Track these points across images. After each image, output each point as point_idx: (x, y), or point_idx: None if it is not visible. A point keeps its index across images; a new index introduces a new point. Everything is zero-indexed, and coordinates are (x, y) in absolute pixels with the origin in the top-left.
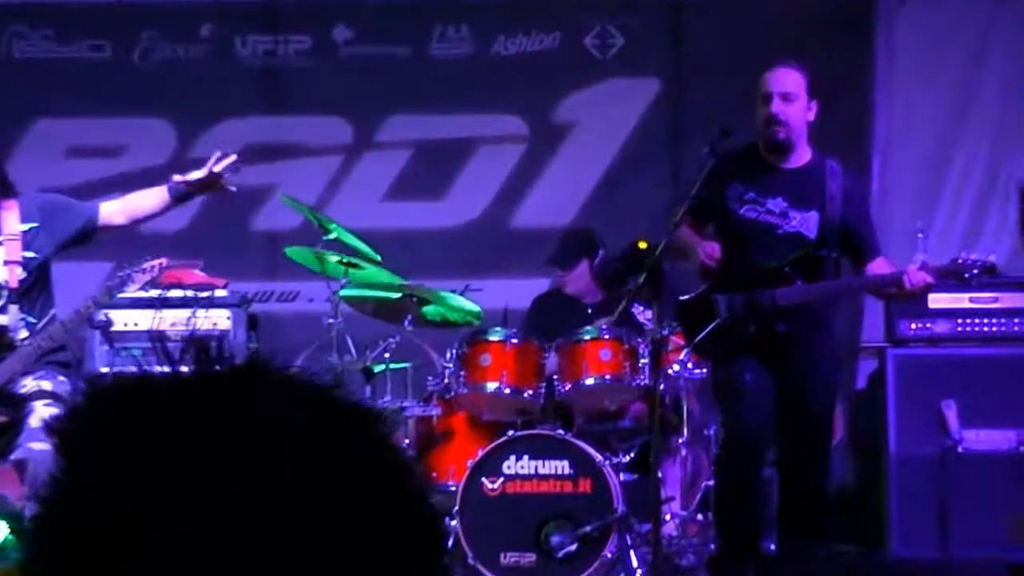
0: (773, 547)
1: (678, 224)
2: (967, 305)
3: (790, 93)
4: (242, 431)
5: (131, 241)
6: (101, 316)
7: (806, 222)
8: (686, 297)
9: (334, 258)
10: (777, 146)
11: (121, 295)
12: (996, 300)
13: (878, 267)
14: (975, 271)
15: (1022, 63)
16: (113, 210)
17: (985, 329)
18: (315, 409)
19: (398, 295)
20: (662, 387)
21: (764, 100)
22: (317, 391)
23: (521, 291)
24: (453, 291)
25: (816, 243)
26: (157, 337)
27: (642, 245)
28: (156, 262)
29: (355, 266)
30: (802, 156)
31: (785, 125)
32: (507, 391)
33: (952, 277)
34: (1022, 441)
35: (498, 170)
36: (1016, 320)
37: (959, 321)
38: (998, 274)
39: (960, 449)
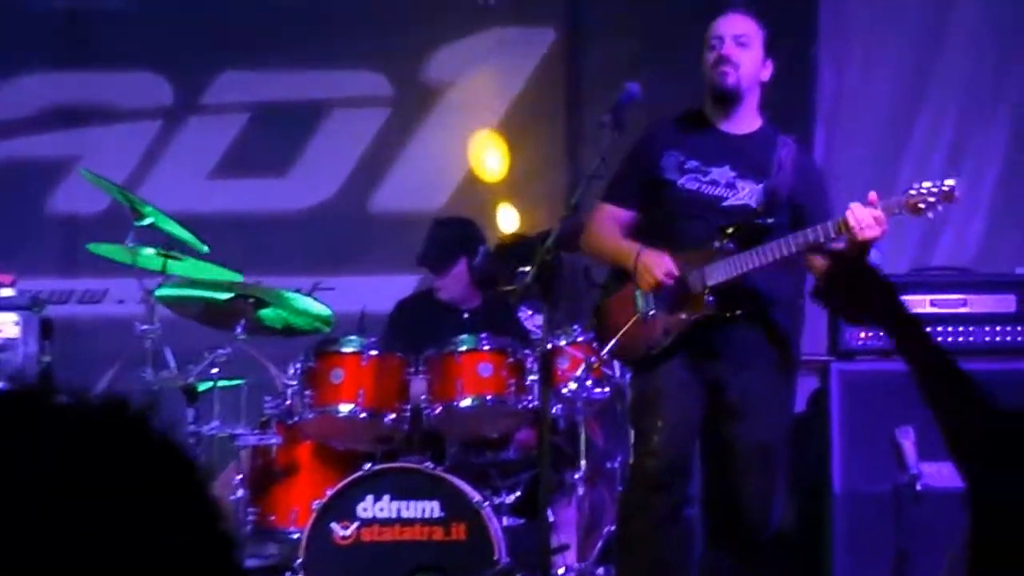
0: None
1: (576, 209)
2: (928, 309)
3: (745, 36)
4: None
5: None
6: None
7: (756, 194)
8: (606, 297)
9: (150, 250)
10: (725, 95)
11: None
12: (964, 303)
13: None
14: (932, 199)
15: (997, 15)
16: None
17: (950, 339)
18: (94, 448)
19: (229, 295)
20: (554, 410)
21: (714, 43)
22: (104, 425)
23: (382, 291)
24: (298, 291)
25: (758, 211)
26: None
27: (504, 237)
28: None
29: (176, 259)
30: (751, 121)
31: (736, 68)
32: (364, 415)
33: (906, 211)
34: None
35: (355, 140)
36: (987, 328)
37: None
38: (956, 200)
39: (918, 485)
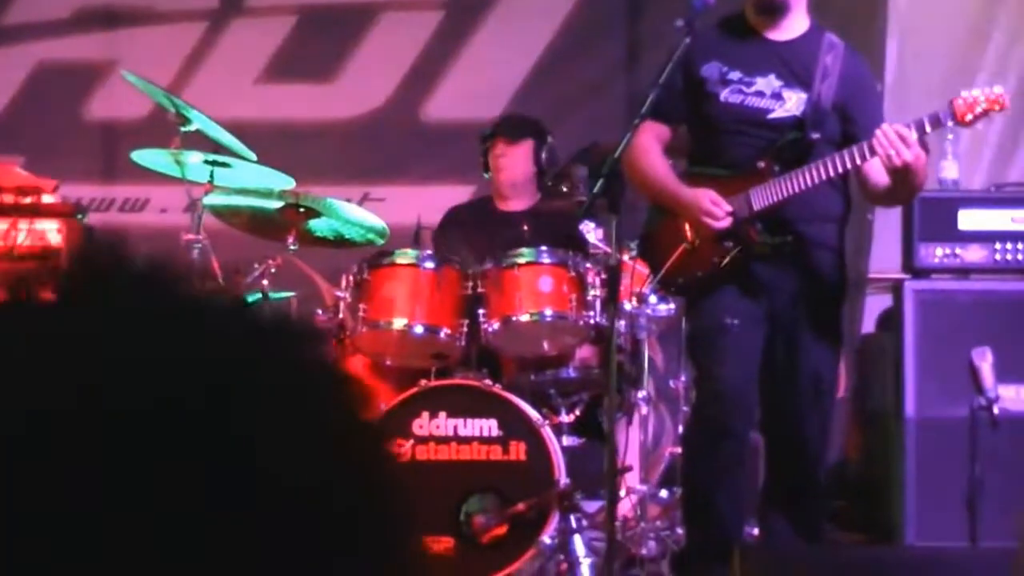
0: (756, 531)
1: (638, 126)
2: (1008, 226)
3: None
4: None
5: None
6: None
7: (803, 104)
8: (650, 225)
9: (196, 156)
10: (773, 7)
11: None
12: None
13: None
14: (979, 109)
15: None
16: None
17: None
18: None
19: (279, 205)
20: (619, 327)
21: None
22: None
23: (435, 201)
24: (348, 200)
25: (804, 125)
26: None
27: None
28: None
29: (224, 167)
30: (798, 25)
31: None
32: (419, 330)
33: (953, 121)
34: None
35: (406, 45)
36: None
37: (997, 247)
38: (1005, 108)
39: (996, 410)
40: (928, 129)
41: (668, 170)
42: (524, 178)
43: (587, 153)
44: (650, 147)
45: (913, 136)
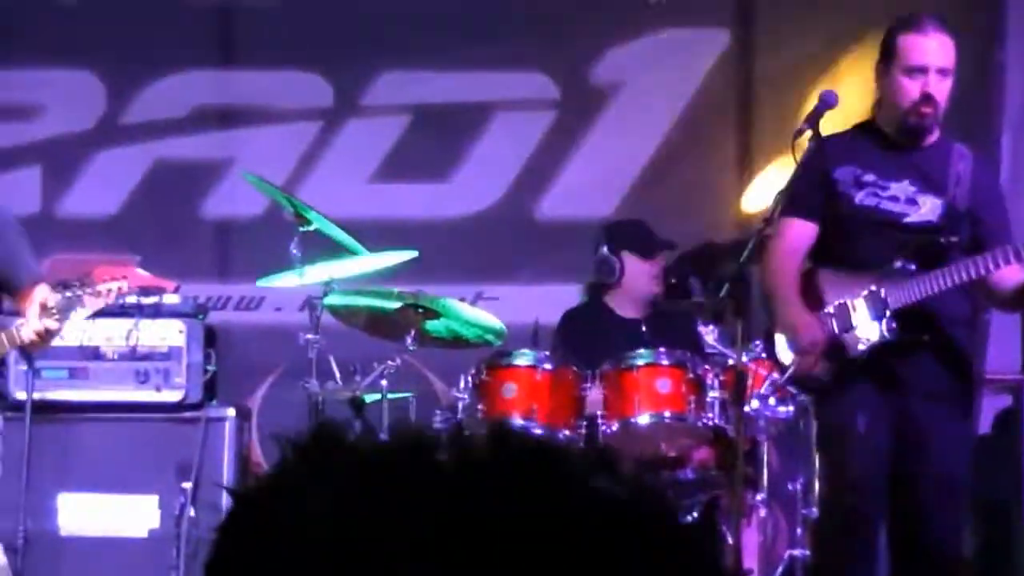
0: None
1: (770, 223)
2: None
3: (948, 68)
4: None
5: (49, 229)
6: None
7: (937, 209)
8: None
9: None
10: (920, 131)
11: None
12: None
13: (1013, 273)
14: None
15: None
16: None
17: None
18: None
19: (397, 305)
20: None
21: (913, 72)
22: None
23: (549, 301)
24: (461, 299)
25: (939, 228)
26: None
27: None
28: (115, 284)
29: (341, 267)
30: (931, 135)
31: (938, 108)
32: (538, 430)
33: None
34: None
35: (520, 144)
36: None
37: None
38: None
39: None
40: None
41: (795, 288)
42: (641, 293)
43: (700, 254)
44: (789, 257)
45: None
